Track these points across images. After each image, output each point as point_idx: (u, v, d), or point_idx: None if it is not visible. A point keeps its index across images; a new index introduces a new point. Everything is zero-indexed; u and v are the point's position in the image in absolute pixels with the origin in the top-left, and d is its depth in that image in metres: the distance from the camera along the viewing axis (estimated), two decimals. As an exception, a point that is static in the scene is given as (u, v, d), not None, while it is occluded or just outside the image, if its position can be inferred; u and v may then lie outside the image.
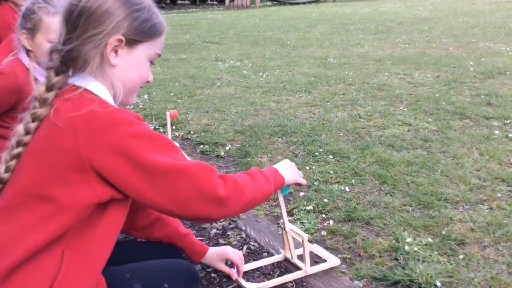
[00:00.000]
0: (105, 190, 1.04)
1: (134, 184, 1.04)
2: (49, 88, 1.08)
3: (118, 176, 1.03)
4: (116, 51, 1.11)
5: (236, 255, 1.76)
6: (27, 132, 1.08)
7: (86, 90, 1.08)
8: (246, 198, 1.17)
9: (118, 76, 1.12)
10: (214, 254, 1.73)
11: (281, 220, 1.76)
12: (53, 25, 1.89)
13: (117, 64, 1.11)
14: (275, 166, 1.44)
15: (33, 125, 1.08)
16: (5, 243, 1.04)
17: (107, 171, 1.02)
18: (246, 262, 1.87)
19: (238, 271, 1.76)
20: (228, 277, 1.78)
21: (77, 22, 1.07)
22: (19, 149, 1.09)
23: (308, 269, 1.78)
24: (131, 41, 1.11)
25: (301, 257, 1.82)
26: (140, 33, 1.12)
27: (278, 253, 1.95)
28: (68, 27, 1.08)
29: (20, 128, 1.09)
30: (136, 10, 1.11)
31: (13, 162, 1.09)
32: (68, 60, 1.08)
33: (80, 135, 1.01)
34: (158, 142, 1.07)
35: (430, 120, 3.70)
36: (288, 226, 1.77)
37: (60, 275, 1.05)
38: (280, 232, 1.95)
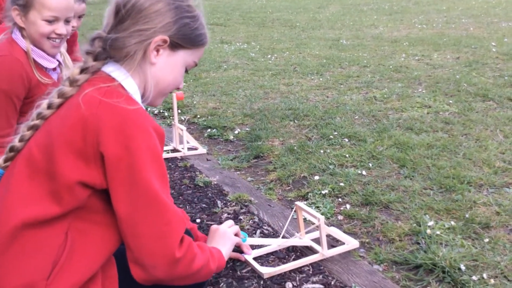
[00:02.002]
0: (101, 176, 1.08)
1: (116, 181, 1.07)
2: (83, 71, 1.15)
3: (112, 166, 1.06)
4: (158, 50, 1.18)
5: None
6: (49, 106, 1.14)
7: (120, 85, 1.15)
8: (195, 266, 1.19)
9: (154, 75, 1.20)
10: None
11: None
12: (47, 2, 1.82)
13: (156, 63, 1.19)
14: (216, 244, 1.47)
15: (57, 101, 1.14)
16: (7, 209, 1.09)
17: (107, 155, 1.06)
18: (260, 246, 1.89)
19: (243, 250, 1.77)
20: (242, 261, 1.81)
21: (128, 14, 1.15)
22: (37, 121, 1.15)
23: (325, 252, 1.80)
24: (175, 44, 1.20)
25: (317, 240, 1.84)
26: (185, 39, 1.20)
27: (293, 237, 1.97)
28: (117, 18, 1.16)
29: (44, 101, 1.15)
30: (185, 17, 1.19)
31: (28, 133, 1.15)
32: (111, 49, 1.15)
33: (96, 118, 1.06)
34: (161, 169, 1.11)
35: (451, 102, 3.69)
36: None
37: (63, 255, 1.09)
38: (295, 217, 1.97)
